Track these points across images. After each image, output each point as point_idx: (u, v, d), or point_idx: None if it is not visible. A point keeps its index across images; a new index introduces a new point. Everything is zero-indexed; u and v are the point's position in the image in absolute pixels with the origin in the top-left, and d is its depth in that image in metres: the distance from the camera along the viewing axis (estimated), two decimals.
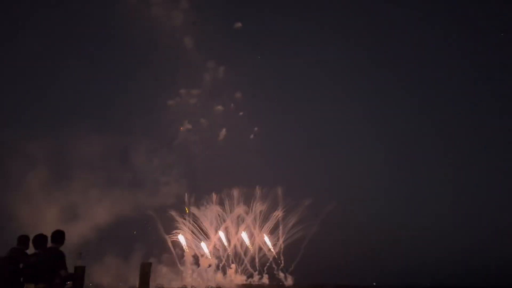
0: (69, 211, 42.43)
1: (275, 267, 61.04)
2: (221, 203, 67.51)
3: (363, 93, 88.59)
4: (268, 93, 73.07)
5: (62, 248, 6.70)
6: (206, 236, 64.23)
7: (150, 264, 9.29)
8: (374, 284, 63.41)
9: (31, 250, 6.81)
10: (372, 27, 77.99)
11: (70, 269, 6.94)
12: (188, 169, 67.11)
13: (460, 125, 79.55)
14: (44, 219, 38.07)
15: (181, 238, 61.70)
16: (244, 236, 62.63)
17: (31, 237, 6.76)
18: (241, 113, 73.38)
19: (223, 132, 71.02)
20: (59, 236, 6.69)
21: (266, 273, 60.64)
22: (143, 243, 58.14)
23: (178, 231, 64.23)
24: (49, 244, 6.75)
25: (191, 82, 67.20)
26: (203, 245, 63.20)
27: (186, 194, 70.38)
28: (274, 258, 62.25)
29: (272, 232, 63.88)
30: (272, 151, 70.31)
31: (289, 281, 59.81)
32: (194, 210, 67.31)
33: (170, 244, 65.24)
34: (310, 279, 63.06)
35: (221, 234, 63.78)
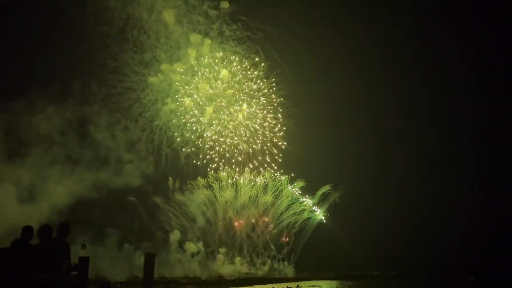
0: (25, 191, 40.34)
1: (265, 253, 61.83)
2: (208, 188, 67.11)
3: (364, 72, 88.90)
4: (259, 70, 71.82)
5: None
6: (193, 222, 64.38)
7: (155, 254, 9.03)
8: (375, 273, 65.28)
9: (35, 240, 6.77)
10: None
11: (74, 260, 7.14)
12: (170, 152, 66.19)
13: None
14: None
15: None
16: (236, 222, 62.92)
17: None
18: (230, 91, 72.20)
19: (209, 111, 69.73)
20: (64, 227, 6.79)
21: (262, 263, 61.46)
22: (117, 228, 57.29)
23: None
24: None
25: (174, 58, 65.22)
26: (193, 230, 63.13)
27: (170, 179, 69.55)
28: (263, 244, 62.94)
29: (262, 217, 64.29)
30: (263, 133, 69.97)
31: (289, 271, 60.56)
32: (179, 195, 66.75)
33: (155, 232, 64.80)
34: (310, 269, 64.19)
35: (209, 220, 63.99)
